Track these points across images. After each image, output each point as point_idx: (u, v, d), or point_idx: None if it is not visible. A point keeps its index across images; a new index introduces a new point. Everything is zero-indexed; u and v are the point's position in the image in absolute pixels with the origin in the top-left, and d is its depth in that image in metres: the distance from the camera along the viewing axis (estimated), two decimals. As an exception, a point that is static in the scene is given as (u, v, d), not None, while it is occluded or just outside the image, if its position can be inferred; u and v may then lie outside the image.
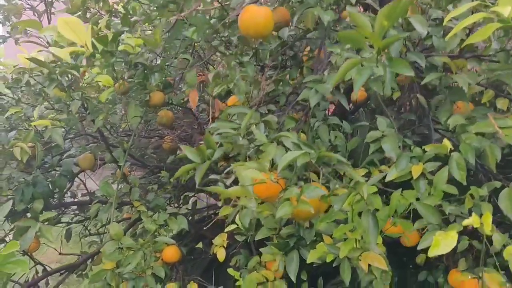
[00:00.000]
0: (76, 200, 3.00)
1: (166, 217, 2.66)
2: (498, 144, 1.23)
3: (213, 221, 2.55)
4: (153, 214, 2.67)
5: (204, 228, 2.61)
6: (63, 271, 2.56)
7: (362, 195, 1.13)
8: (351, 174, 1.15)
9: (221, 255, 2.48)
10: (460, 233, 2.40)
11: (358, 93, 2.91)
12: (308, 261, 1.59)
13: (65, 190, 2.93)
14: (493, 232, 1.05)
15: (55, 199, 2.84)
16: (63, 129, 2.38)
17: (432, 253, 1.03)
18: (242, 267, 2.60)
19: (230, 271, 2.43)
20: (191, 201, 3.96)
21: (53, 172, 2.74)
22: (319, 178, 1.31)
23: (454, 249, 2.53)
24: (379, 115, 1.57)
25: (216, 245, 2.53)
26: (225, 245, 2.53)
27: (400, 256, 3.03)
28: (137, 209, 2.71)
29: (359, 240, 1.79)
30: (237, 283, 2.38)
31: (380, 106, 2.66)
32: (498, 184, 1.37)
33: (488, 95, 1.41)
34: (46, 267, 2.54)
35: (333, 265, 1.78)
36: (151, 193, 2.90)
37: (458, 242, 2.36)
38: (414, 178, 1.23)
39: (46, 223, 2.09)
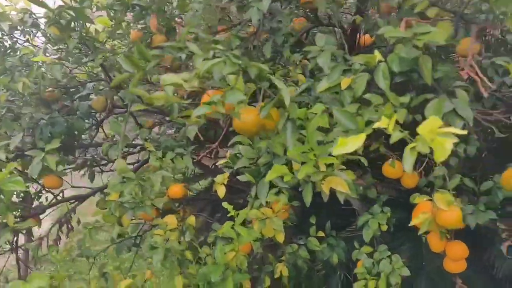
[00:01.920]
0: (93, 142, 3.23)
1: (172, 155, 2.81)
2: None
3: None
4: (162, 154, 2.83)
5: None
6: (73, 200, 2.80)
7: (283, 100, 1.19)
8: (275, 82, 1.21)
9: (221, 192, 2.61)
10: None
11: (366, 38, 2.88)
12: (266, 180, 1.67)
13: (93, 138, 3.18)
14: (395, 131, 1.07)
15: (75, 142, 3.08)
16: (65, 67, 2.55)
17: (336, 152, 1.07)
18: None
19: (225, 204, 2.56)
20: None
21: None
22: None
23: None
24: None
25: (218, 183, 2.66)
26: (225, 183, 2.65)
27: (400, 201, 3.03)
28: (147, 149, 2.89)
29: (327, 166, 1.85)
30: (229, 214, 2.52)
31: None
32: (429, 96, 1.36)
33: (422, 5, 1.38)
34: (58, 197, 2.79)
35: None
36: (163, 136, 3.07)
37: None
38: (342, 88, 1.26)
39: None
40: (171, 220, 2.53)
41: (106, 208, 2.59)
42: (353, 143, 1.08)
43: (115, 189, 2.47)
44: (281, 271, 3.12)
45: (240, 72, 1.21)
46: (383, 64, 1.22)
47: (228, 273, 2.71)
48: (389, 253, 2.55)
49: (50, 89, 2.75)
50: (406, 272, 2.46)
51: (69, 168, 3.43)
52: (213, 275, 2.61)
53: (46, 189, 2.87)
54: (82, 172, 3.45)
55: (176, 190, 2.81)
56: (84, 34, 2.21)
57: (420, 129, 0.97)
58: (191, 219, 2.62)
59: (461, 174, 2.36)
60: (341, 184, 1.78)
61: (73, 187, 2.97)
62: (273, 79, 1.20)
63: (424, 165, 2.56)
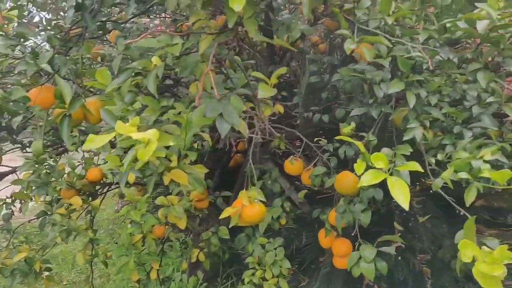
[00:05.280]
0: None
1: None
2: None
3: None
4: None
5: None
6: None
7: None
8: (57, 80, 1.36)
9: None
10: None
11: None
12: (107, 168, 1.82)
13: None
14: (128, 133, 1.20)
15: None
16: None
17: (85, 147, 1.21)
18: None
19: (124, 190, 2.73)
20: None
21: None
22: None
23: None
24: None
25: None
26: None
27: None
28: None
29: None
30: (126, 199, 2.67)
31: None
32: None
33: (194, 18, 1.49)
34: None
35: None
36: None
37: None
38: (121, 90, 1.40)
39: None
40: (75, 200, 2.71)
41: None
42: (101, 140, 1.22)
43: (24, 168, 2.68)
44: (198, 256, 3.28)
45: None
46: (155, 70, 1.35)
47: (132, 253, 2.89)
48: (277, 245, 2.67)
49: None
50: (287, 264, 2.58)
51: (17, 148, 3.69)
52: (114, 253, 2.80)
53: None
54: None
55: (94, 173, 2.98)
56: None
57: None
58: (96, 202, 2.80)
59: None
60: (182, 177, 1.90)
61: None
62: (56, 77, 1.35)
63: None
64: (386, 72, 1.88)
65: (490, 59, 2.10)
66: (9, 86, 2.19)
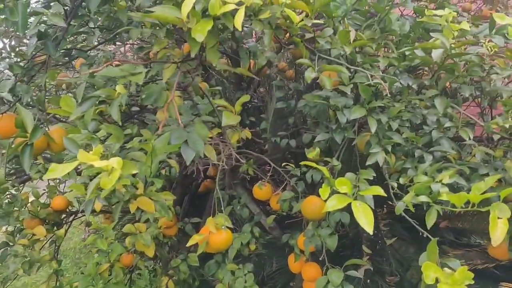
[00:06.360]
0: None
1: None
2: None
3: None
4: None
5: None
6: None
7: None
8: (18, 107, 1.34)
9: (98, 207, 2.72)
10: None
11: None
12: (70, 195, 1.79)
13: None
14: (95, 162, 1.19)
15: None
16: None
17: (48, 176, 1.19)
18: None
19: (91, 218, 2.68)
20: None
21: None
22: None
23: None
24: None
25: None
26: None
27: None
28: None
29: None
30: (91, 228, 2.62)
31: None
32: (167, 129, 1.49)
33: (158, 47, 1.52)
34: None
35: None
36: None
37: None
38: (85, 118, 1.40)
39: None
40: (39, 230, 2.64)
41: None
42: (63, 169, 1.21)
43: (-15, 198, 2.60)
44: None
45: None
46: (118, 98, 1.35)
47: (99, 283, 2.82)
48: (247, 271, 2.65)
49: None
50: (257, 290, 2.57)
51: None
52: (80, 284, 2.72)
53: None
54: None
55: (59, 201, 2.91)
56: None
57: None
58: (61, 232, 2.73)
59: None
60: (148, 205, 1.88)
61: None
62: (17, 106, 1.34)
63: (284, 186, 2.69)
64: (349, 99, 1.93)
65: (448, 85, 2.19)
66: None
